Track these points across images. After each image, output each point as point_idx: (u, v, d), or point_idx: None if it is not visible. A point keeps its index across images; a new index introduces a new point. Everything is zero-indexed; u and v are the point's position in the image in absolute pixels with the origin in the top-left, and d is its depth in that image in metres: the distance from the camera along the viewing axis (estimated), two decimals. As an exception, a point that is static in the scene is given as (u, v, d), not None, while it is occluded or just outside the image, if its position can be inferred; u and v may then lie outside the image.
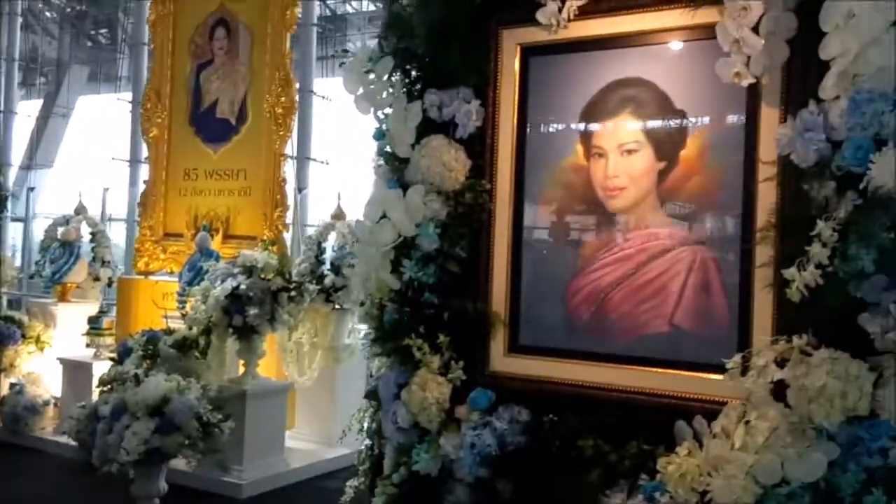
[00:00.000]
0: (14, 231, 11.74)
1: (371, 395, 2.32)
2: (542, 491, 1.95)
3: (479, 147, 2.18)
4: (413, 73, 2.26)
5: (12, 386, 6.50)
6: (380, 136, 2.24)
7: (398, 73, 2.23)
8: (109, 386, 4.88)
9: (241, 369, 5.80)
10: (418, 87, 2.25)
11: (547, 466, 1.96)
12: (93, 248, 7.88)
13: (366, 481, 4.54)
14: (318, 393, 6.48)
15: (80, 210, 7.88)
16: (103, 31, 15.11)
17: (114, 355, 5.81)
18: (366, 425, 4.65)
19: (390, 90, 2.18)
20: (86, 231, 7.89)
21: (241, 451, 5.46)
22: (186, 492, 5.31)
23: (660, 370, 1.91)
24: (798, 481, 1.63)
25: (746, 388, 1.66)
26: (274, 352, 6.40)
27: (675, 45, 2.01)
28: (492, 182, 2.14)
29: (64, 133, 13.44)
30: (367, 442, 4.71)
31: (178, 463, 5.02)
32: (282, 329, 5.94)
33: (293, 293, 5.71)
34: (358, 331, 6.78)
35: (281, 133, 6.61)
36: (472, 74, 2.20)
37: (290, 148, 7.18)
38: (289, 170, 6.95)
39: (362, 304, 2.35)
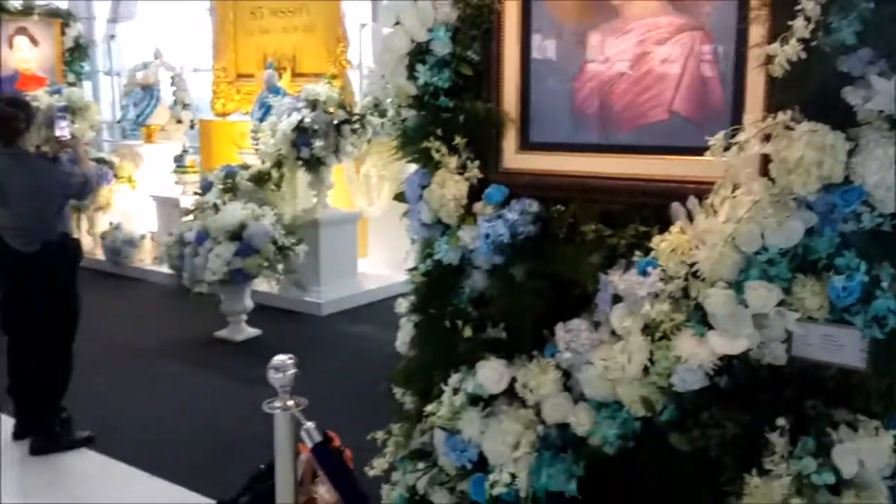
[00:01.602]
0: (103, 83, 12.26)
1: (399, 197, 2.50)
2: (550, 274, 2.13)
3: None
4: None
5: (111, 223, 7.10)
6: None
7: None
8: (193, 215, 5.31)
9: (314, 200, 6.14)
10: None
11: (553, 251, 2.12)
12: (173, 92, 8.24)
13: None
14: (387, 222, 6.79)
15: (158, 55, 8.17)
16: None
17: (198, 189, 6.26)
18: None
19: None
20: (165, 76, 8.22)
21: (318, 275, 5.91)
22: (272, 310, 5.85)
23: (658, 157, 1.99)
24: (776, 248, 1.74)
25: (728, 162, 1.74)
26: (344, 183, 6.71)
27: None
28: (500, -18, 2.17)
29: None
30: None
31: (265, 287, 5.52)
32: (347, 160, 6.20)
33: (356, 125, 5.90)
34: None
35: (341, -35, 6.55)
36: None
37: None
38: (350, 5, 6.94)
39: (383, 113, 2.49)
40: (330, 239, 5.99)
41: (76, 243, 3.77)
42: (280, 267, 5.18)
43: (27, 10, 8.48)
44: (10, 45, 8.50)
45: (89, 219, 7.35)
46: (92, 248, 7.40)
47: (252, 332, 5.37)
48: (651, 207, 2.01)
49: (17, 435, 3.70)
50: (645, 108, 2.02)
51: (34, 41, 8.67)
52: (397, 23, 2.21)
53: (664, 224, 1.96)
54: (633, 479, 1.99)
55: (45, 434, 3.63)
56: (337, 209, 6.34)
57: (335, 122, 5.78)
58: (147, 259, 7.05)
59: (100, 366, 4.72)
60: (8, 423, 3.78)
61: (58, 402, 3.70)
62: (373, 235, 6.97)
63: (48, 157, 3.64)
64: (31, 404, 3.67)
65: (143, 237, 7.08)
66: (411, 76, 2.24)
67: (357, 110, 6.09)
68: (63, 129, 3.65)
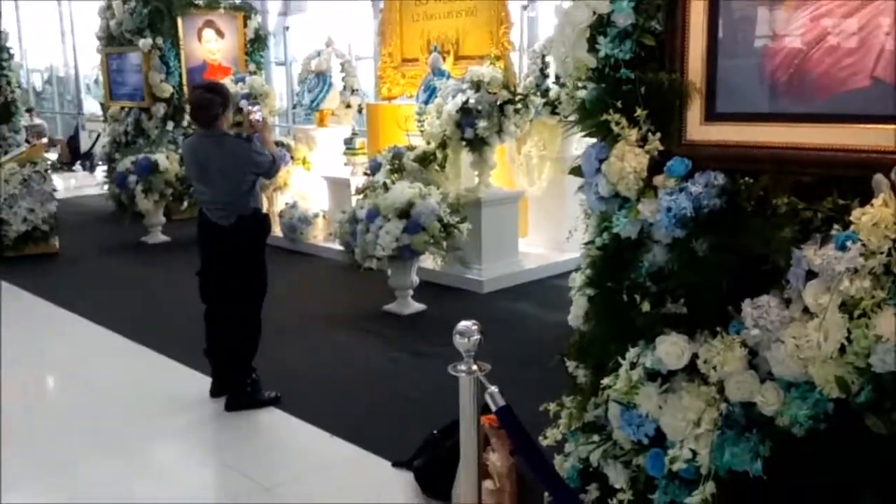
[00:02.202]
0: (276, 73, 13.06)
1: (575, 171, 2.50)
2: (736, 248, 2.06)
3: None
4: None
5: (287, 202, 7.58)
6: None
7: None
8: (363, 194, 5.57)
9: (476, 180, 6.25)
10: None
11: (740, 225, 2.06)
12: (343, 78, 8.64)
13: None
14: (548, 202, 6.81)
15: (329, 43, 8.59)
16: None
17: (367, 170, 6.56)
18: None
19: None
20: (336, 63, 8.63)
21: (479, 253, 6.02)
22: (435, 286, 6.04)
23: (859, 125, 1.88)
24: None
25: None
26: (505, 164, 6.77)
27: None
28: (689, -51, 2.11)
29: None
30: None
31: (429, 264, 5.71)
32: (510, 140, 6.26)
33: (518, 106, 5.94)
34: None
35: (503, -53, 6.60)
36: None
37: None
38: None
39: (562, 84, 2.50)
40: (492, 218, 6.08)
41: (266, 218, 4.08)
42: (445, 244, 5.33)
43: (214, 4, 9.17)
44: (199, 38, 9.24)
45: (268, 198, 7.86)
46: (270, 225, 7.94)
47: (418, 306, 5.57)
48: (849, 179, 1.91)
49: (214, 393, 4.08)
50: (844, 74, 1.91)
51: (220, 33, 9.37)
52: (580, -5, 2.21)
53: (864, 196, 1.85)
54: (822, 461, 1.91)
55: (238, 393, 3.97)
56: (499, 188, 6.42)
57: (498, 102, 5.85)
58: (320, 236, 7.47)
59: (284, 332, 5.08)
60: (206, 382, 4.17)
61: (248, 364, 4.03)
62: (533, 215, 6.99)
63: (243, 137, 3.95)
64: (226, 366, 4.02)
65: (316, 215, 7.50)
66: (592, 49, 2.24)
67: (519, 91, 6.13)
68: (257, 114, 3.96)
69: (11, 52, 9.85)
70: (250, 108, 3.93)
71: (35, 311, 5.84)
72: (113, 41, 9.28)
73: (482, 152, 6.02)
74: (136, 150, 8.37)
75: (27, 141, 10.56)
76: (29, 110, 15.94)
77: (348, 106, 8.55)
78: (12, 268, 6.95)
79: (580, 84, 2.34)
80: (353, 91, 8.65)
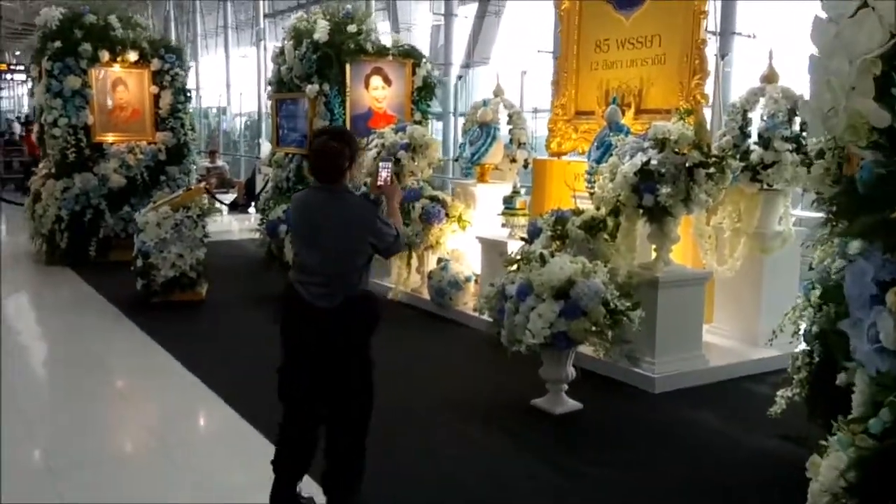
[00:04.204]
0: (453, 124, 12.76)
1: (830, 293, 1.55)
2: None
3: None
4: None
5: (439, 261, 6.91)
6: None
7: None
8: (516, 265, 4.75)
9: (653, 255, 5.26)
10: None
11: None
12: (510, 131, 7.97)
13: (801, 393, 3.73)
14: (740, 285, 5.68)
15: (498, 92, 7.96)
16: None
17: (525, 235, 5.75)
18: (802, 327, 3.81)
19: None
20: (504, 114, 7.97)
21: (652, 344, 5.00)
22: (596, 378, 5.07)
23: None
24: None
25: None
26: (689, 237, 5.72)
27: None
28: None
29: (497, 31, 13.89)
30: (803, 346, 3.88)
31: (589, 350, 4.77)
32: (698, 211, 5.22)
33: (712, 170, 4.91)
34: (791, 215, 5.74)
35: (699, -9, 5.70)
36: None
37: (713, 19, 6.25)
38: (709, 36, 6.03)
39: (820, 154, 1.55)
40: (671, 302, 5.04)
41: (378, 304, 3.20)
42: (610, 334, 4.38)
43: (383, 51, 8.86)
44: (366, 85, 8.95)
45: (419, 256, 7.26)
46: (419, 286, 7.31)
47: (573, 404, 4.63)
48: None
49: None
50: None
51: (387, 80, 9.05)
52: (863, 4, 1.29)
53: None
54: None
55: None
56: (681, 267, 5.37)
57: (687, 165, 4.86)
58: (470, 303, 6.71)
59: (406, 419, 4.35)
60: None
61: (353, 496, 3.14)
62: (721, 301, 5.86)
63: (371, 199, 3.21)
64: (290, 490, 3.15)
65: (468, 279, 6.78)
66: (885, 95, 1.30)
67: (714, 152, 5.10)
68: (384, 171, 3.25)
69: (190, 94, 10.06)
70: (380, 164, 3.19)
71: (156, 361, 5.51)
72: (283, 87, 9.21)
73: (663, 223, 5.02)
74: (290, 198, 8.09)
75: (200, 180, 10.79)
76: (212, 153, 16.74)
77: (513, 161, 7.83)
78: (157, 315, 6.76)
79: (859, 152, 1.39)
80: (520, 144, 7.94)
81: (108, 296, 7.47)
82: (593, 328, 4.34)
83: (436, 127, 11.03)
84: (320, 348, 3.01)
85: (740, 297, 5.71)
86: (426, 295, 7.05)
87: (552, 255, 4.59)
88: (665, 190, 4.79)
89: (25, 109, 26.84)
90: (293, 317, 3.07)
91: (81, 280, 8.30)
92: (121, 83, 9.50)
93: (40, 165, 10.01)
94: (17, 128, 20.38)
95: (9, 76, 29.37)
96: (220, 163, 16.34)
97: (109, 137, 9.42)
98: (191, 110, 10.11)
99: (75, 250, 9.00)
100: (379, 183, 3.22)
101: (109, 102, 9.42)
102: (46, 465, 3.87)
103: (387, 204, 3.24)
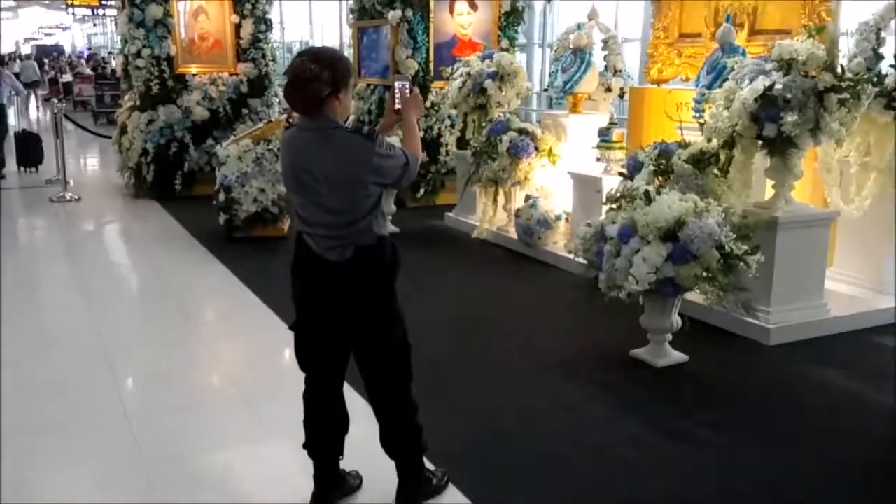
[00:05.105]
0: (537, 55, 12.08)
1: None
2: None
3: None
4: None
5: (527, 198, 6.51)
6: None
7: None
8: (618, 203, 4.31)
9: (770, 192, 4.72)
10: None
11: None
12: (605, 57, 7.40)
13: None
14: (867, 226, 5.08)
15: (592, 15, 7.36)
16: None
17: (623, 170, 5.29)
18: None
19: None
20: (598, 39, 7.39)
21: (768, 291, 4.52)
22: (704, 327, 4.63)
23: None
24: None
25: None
26: (811, 172, 5.13)
27: None
28: None
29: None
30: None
31: (696, 296, 4.32)
32: (827, 142, 4.63)
33: (846, 95, 4.29)
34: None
35: None
36: None
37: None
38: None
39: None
40: (791, 245, 4.52)
41: (396, 250, 2.69)
42: (724, 281, 3.93)
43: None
44: (451, 10, 8.49)
45: (506, 193, 6.87)
46: (505, 224, 6.95)
47: (677, 356, 4.24)
48: None
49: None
50: None
51: (473, 6, 8.57)
52: None
53: None
54: None
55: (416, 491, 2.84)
56: (804, 205, 4.82)
57: (819, 88, 4.26)
58: (560, 243, 6.31)
59: (492, 373, 4.05)
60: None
61: (420, 461, 2.84)
62: (844, 244, 5.28)
63: (362, 132, 2.51)
64: (337, 465, 2.89)
65: (559, 218, 6.36)
66: None
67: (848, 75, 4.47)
68: (399, 83, 2.71)
69: (271, 22, 9.78)
70: (396, 82, 2.70)
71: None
72: (365, 14, 8.81)
73: (786, 156, 4.47)
74: (372, 130, 7.78)
75: (282, 112, 10.60)
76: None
77: (608, 90, 7.28)
78: (239, 249, 6.65)
79: None
80: (615, 72, 7.36)
81: (192, 230, 7.43)
82: (705, 274, 3.90)
83: (518, 58, 10.44)
84: (334, 305, 2.63)
85: (867, 240, 5.12)
86: (513, 234, 6.68)
87: (658, 192, 4.13)
88: (791, 118, 4.21)
89: (119, 46, 27.32)
90: (303, 270, 2.68)
91: (167, 213, 8.33)
92: (202, 12, 9.32)
93: (125, 98, 10.01)
94: (113, 62, 20.70)
95: (101, 12, 29.87)
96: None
97: (192, 69, 9.30)
98: (272, 40, 9.84)
99: (161, 184, 9.03)
100: (396, 106, 2.69)
101: (191, 33, 9.27)
102: (123, 411, 3.76)
103: (406, 117, 2.75)
